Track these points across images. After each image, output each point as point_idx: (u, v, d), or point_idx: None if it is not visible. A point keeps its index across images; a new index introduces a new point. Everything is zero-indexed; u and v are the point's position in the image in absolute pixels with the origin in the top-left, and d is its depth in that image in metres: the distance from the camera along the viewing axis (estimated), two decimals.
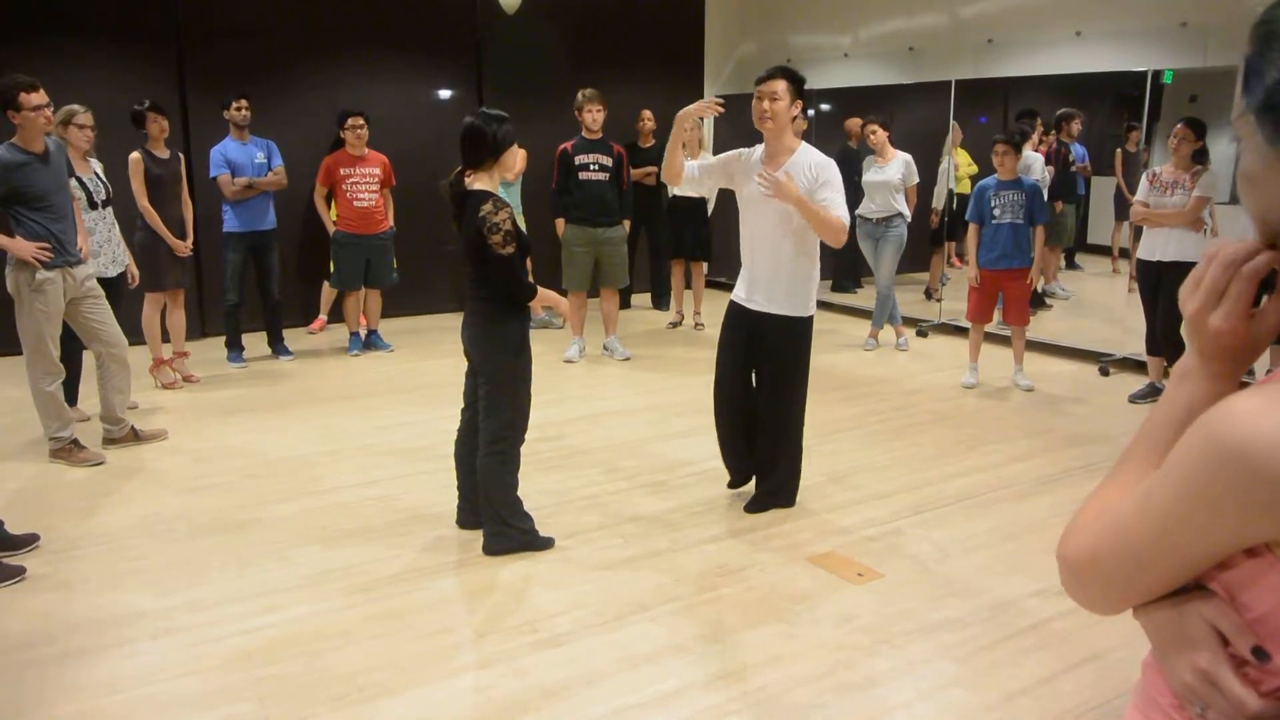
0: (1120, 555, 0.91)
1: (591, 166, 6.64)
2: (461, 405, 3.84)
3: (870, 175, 7.10)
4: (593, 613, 3.23)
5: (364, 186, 6.87)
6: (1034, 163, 7.01)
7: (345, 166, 6.83)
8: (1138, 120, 6.86)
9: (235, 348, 6.69)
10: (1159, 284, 5.54)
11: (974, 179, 7.52)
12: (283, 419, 5.49)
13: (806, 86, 3.99)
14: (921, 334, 7.70)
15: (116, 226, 5.54)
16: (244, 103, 6.54)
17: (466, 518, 3.88)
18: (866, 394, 6.01)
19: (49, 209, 4.49)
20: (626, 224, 6.96)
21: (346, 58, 7.89)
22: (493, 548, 3.66)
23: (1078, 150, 8.00)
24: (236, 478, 4.54)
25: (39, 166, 4.46)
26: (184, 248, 6.01)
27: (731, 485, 4.29)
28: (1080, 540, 0.96)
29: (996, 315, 6.23)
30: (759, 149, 3.99)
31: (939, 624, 3.17)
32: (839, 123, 8.81)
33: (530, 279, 3.63)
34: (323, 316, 7.94)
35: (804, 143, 3.97)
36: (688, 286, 8.05)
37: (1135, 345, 6.29)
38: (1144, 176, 5.67)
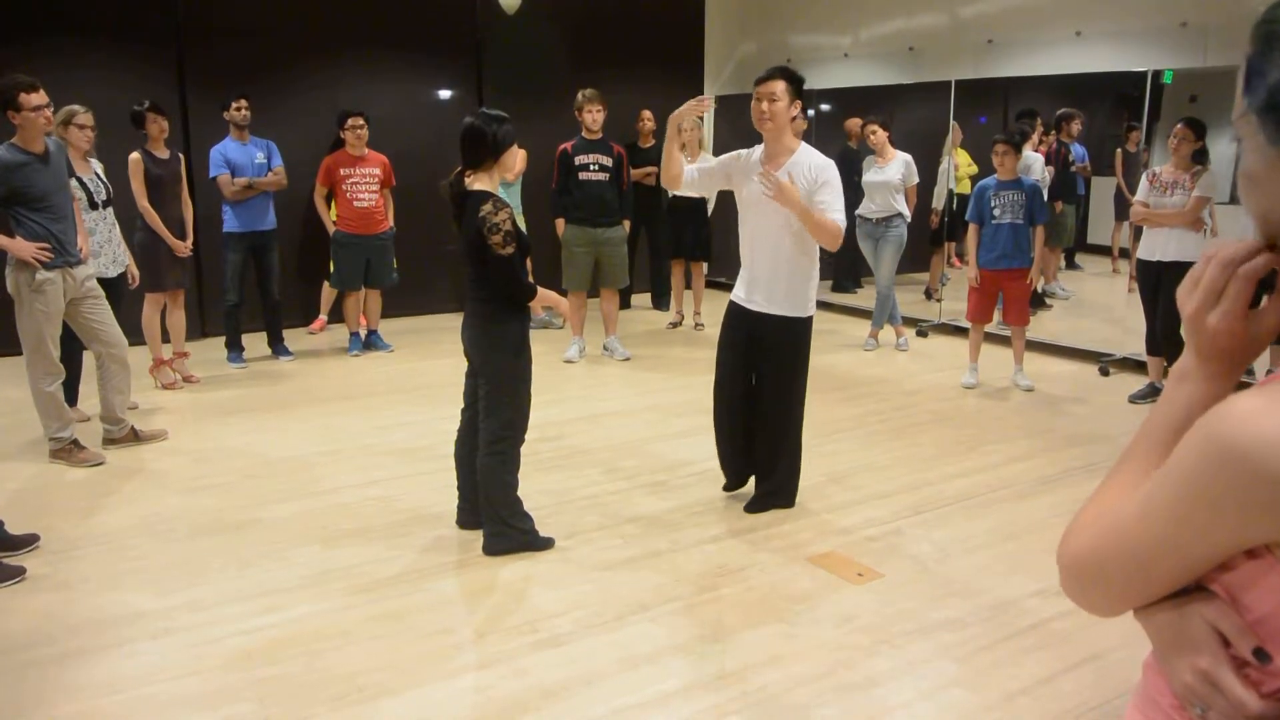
0: (1121, 557, 0.91)
1: (591, 167, 6.64)
2: (461, 405, 3.84)
3: (870, 175, 7.10)
4: (593, 613, 3.23)
5: (364, 187, 6.87)
6: (1034, 163, 7.01)
7: (345, 166, 6.83)
8: (1138, 120, 6.86)
9: (235, 348, 6.69)
10: (1159, 284, 5.54)
11: (974, 179, 7.52)
12: (283, 419, 5.49)
13: (806, 86, 3.99)
14: (921, 334, 7.70)
15: (117, 227, 5.54)
16: (244, 103, 6.54)
17: (466, 518, 3.88)
18: (866, 394, 6.01)
19: (49, 209, 4.49)
20: (626, 224, 6.96)
21: (346, 58, 7.89)
22: (493, 548, 3.66)
23: (1078, 150, 8.00)
24: (236, 478, 4.54)
25: (39, 167, 4.46)
26: (184, 248, 6.01)
27: (727, 488, 4.28)
28: (1080, 542, 0.96)
29: (996, 315, 6.23)
30: (758, 149, 3.99)
31: (939, 624, 3.17)
32: (839, 123, 8.81)
33: (530, 279, 3.63)
34: (323, 317, 7.94)
35: (804, 143, 3.97)
36: (688, 287, 8.05)
37: (1135, 345, 6.29)
38: (1144, 176, 5.67)
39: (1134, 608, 0.96)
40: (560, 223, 6.85)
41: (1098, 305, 8.36)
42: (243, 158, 6.53)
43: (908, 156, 7.07)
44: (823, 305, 7.90)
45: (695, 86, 9.72)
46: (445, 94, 8.54)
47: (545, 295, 3.70)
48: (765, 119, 3.86)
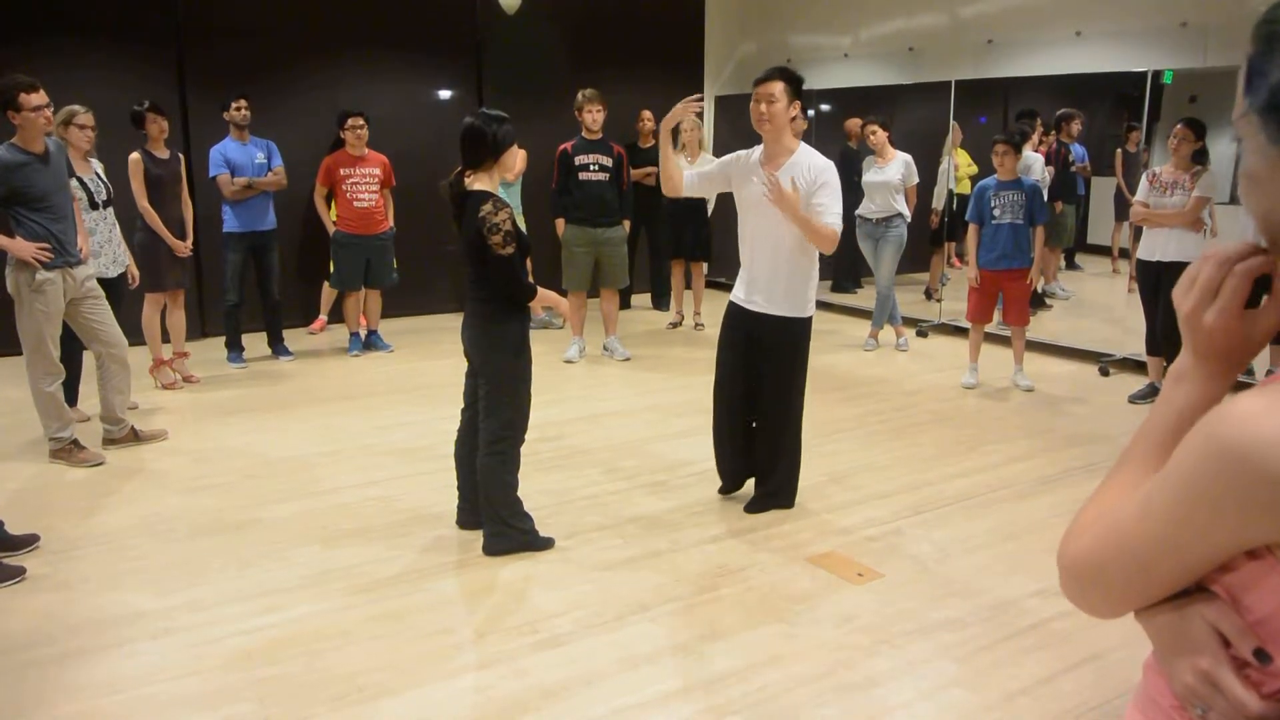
0: (1121, 558, 0.91)
1: (591, 167, 6.64)
2: (461, 405, 3.84)
3: (870, 175, 7.10)
4: (593, 613, 3.23)
5: (364, 187, 6.87)
6: (1034, 163, 7.01)
7: (345, 167, 6.83)
8: (1138, 120, 6.86)
9: (235, 348, 6.69)
10: (1159, 284, 5.54)
11: (974, 179, 7.52)
12: (283, 419, 5.49)
13: (806, 86, 3.98)
14: (921, 334, 7.70)
15: (117, 227, 5.54)
16: (244, 103, 6.54)
17: (466, 518, 3.88)
18: (866, 394, 6.01)
19: (49, 209, 4.49)
20: (626, 224, 6.96)
21: (346, 58, 7.89)
22: (493, 548, 3.66)
23: (1077, 150, 8.00)
24: (236, 478, 4.54)
25: (39, 167, 4.46)
26: (184, 248, 6.01)
27: (723, 491, 4.27)
28: (1080, 544, 0.96)
29: (996, 315, 6.23)
30: (758, 150, 3.99)
31: (939, 624, 3.17)
32: (839, 123, 8.81)
33: (530, 279, 3.63)
34: (323, 317, 7.94)
35: (803, 144, 3.96)
36: (688, 287, 8.05)
37: (1135, 345, 6.29)
38: (1144, 177, 5.67)
39: (1134, 609, 0.96)
40: (560, 223, 6.85)
41: (1098, 305, 8.36)
42: (243, 158, 6.52)
43: (908, 157, 7.07)
44: (823, 305, 7.91)
45: (695, 86, 9.72)
46: (445, 94, 8.54)
47: (545, 295, 3.70)
48: (764, 120, 3.85)
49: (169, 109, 6.27)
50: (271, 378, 6.44)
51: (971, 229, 6.03)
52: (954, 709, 2.72)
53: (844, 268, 8.71)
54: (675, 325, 8.07)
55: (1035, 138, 7.42)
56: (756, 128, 3.90)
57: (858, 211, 7.11)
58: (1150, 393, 5.78)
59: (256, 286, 6.70)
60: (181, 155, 6.25)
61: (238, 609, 3.27)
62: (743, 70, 9.78)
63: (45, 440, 4.75)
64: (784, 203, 3.71)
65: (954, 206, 7.91)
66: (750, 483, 4.22)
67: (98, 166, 5.48)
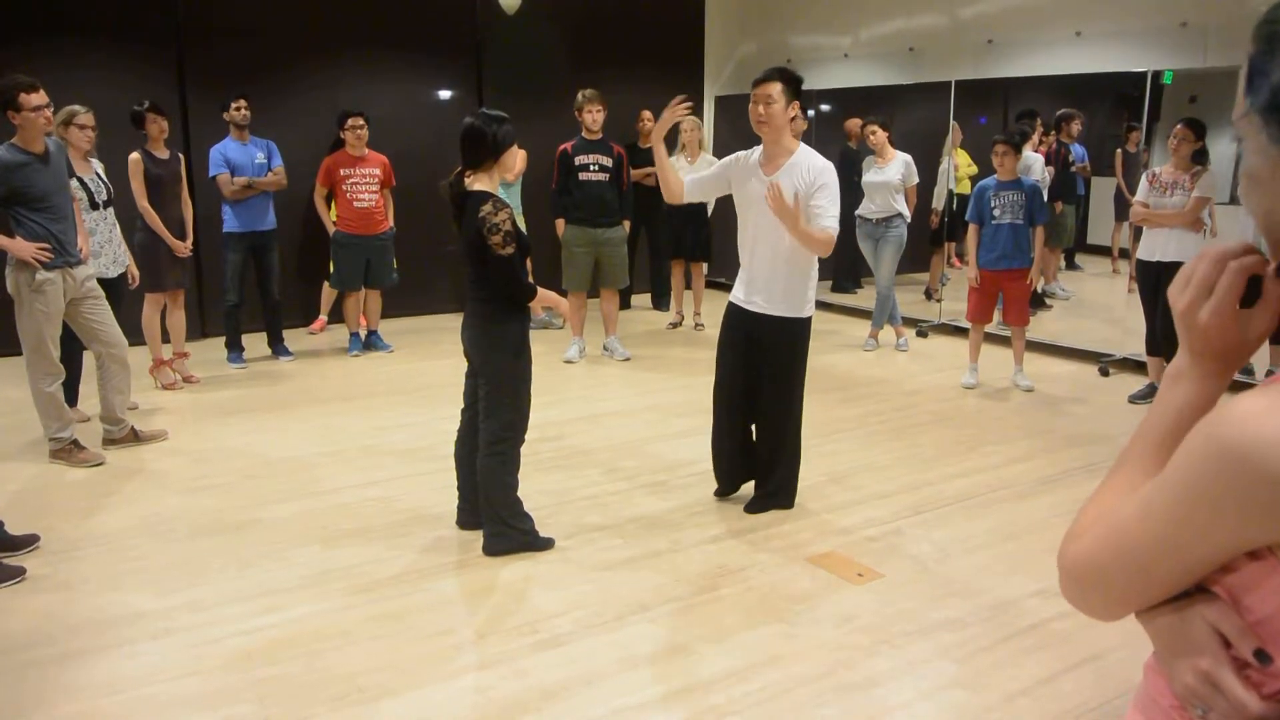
0: (1122, 559, 0.91)
1: (591, 167, 6.64)
2: (461, 406, 3.84)
3: (870, 176, 7.10)
4: (593, 613, 3.23)
5: (364, 187, 6.86)
6: (1034, 163, 7.01)
7: (345, 167, 6.83)
8: (1138, 121, 6.86)
9: (235, 348, 6.69)
10: (1159, 284, 5.54)
11: (974, 179, 7.52)
12: (283, 420, 5.49)
13: (806, 87, 3.97)
14: (921, 334, 7.70)
15: (117, 227, 5.54)
16: (243, 103, 6.54)
17: (466, 518, 3.88)
18: (866, 394, 6.01)
19: (49, 210, 4.49)
20: (626, 224, 6.96)
21: (346, 58, 7.89)
22: (493, 548, 3.66)
23: (1077, 150, 8.00)
24: (236, 478, 4.54)
25: (39, 167, 4.46)
26: (184, 248, 6.01)
27: (719, 494, 4.26)
28: (1080, 546, 0.96)
29: (996, 315, 6.23)
30: (757, 150, 3.98)
31: (939, 624, 3.17)
32: (839, 123, 8.81)
33: (530, 279, 3.62)
34: (323, 317, 7.94)
35: (803, 144, 3.96)
36: (688, 287, 8.05)
37: (1135, 345, 6.29)
38: (1144, 177, 5.67)
39: (1133, 611, 0.96)
40: (560, 223, 6.85)
41: (1098, 305, 8.36)
42: (243, 158, 6.52)
43: (907, 157, 7.07)
44: (823, 305, 7.92)
45: (695, 86, 9.73)
46: (445, 94, 8.54)
47: (545, 295, 3.70)
48: (762, 121, 3.84)
49: (169, 109, 6.27)
50: (271, 378, 6.44)
51: (971, 229, 6.03)
52: (954, 709, 2.72)
53: (844, 268, 8.71)
54: (675, 325, 8.07)
55: (1035, 138, 7.42)
56: (755, 129, 3.90)
57: (858, 212, 7.11)
58: (1150, 393, 5.78)
59: (256, 287, 6.70)
60: (181, 155, 6.25)
61: (238, 609, 3.27)
62: (742, 70, 9.78)
63: (45, 440, 4.75)
64: (783, 212, 3.68)
65: (954, 206, 7.91)
66: (749, 483, 4.22)
67: (98, 166, 5.48)
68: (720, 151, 7.64)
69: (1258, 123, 0.85)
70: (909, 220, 7.10)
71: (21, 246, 4.41)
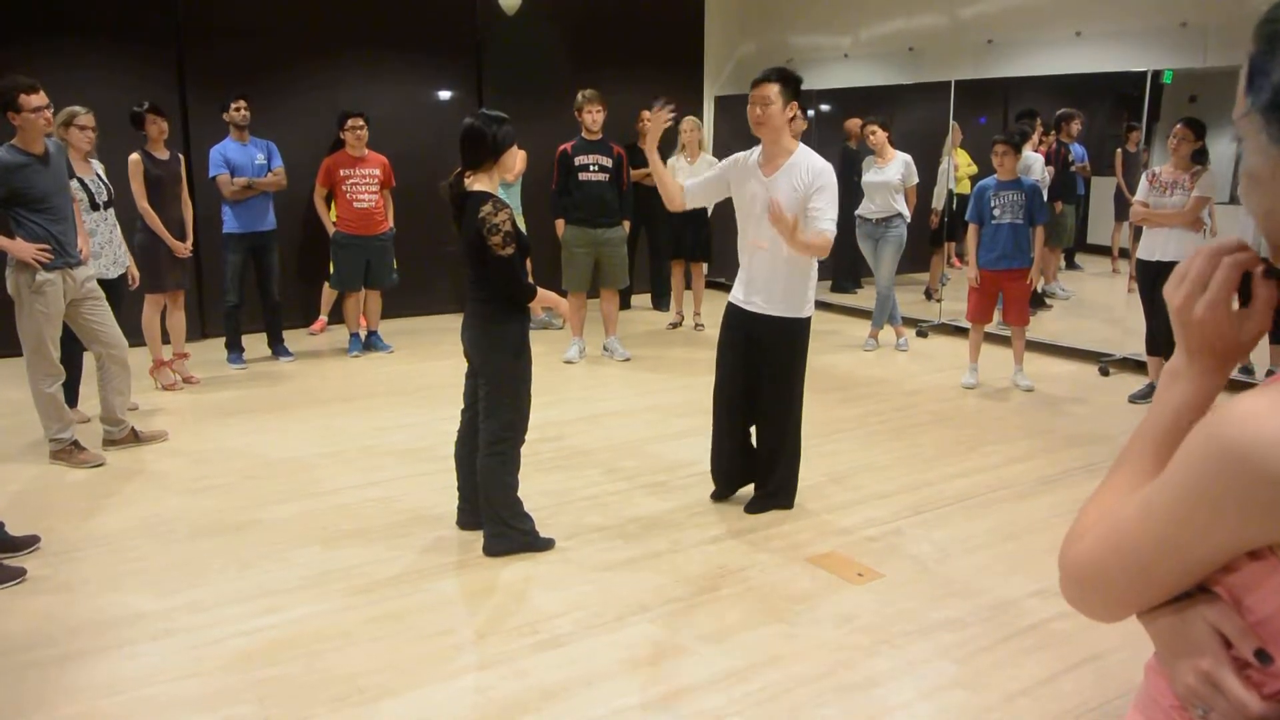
0: (1123, 560, 0.91)
1: (591, 167, 6.64)
2: (461, 406, 3.84)
3: (870, 176, 7.10)
4: (593, 613, 3.23)
5: (364, 187, 6.86)
6: (1034, 163, 7.01)
7: (345, 167, 6.83)
8: (1137, 120, 6.86)
9: (235, 349, 6.69)
10: (1158, 284, 5.51)
11: (974, 179, 7.52)
12: (283, 420, 5.49)
13: (806, 87, 3.96)
14: (921, 334, 7.70)
15: (118, 228, 5.54)
16: (243, 103, 6.54)
17: (467, 519, 3.88)
18: (866, 394, 6.01)
19: (49, 210, 4.49)
20: (626, 225, 6.96)
21: (346, 58, 7.89)
22: (493, 549, 3.66)
23: (1077, 150, 8.00)
24: (236, 479, 4.54)
25: (39, 168, 4.46)
26: (184, 249, 6.00)
27: (716, 497, 4.24)
28: (1080, 547, 0.96)
29: (996, 315, 6.23)
30: (756, 151, 3.98)
31: (939, 624, 3.17)
32: (839, 123, 8.81)
33: (530, 280, 3.62)
34: (323, 317, 7.94)
35: (802, 145, 3.95)
36: (688, 287, 8.05)
37: (1135, 345, 6.29)
38: (1143, 176, 5.67)
39: (1134, 612, 0.95)
40: (560, 223, 6.85)
41: (1098, 305, 8.36)
42: (242, 158, 6.52)
43: (907, 157, 7.07)
44: (823, 305, 7.92)
45: (695, 86, 9.73)
46: (445, 94, 8.54)
47: (545, 296, 3.70)
48: (759, 123, 3.84)
49: (169, 109, 6.27)
50: (271, 379, 6.44)
51: (971, 229, 6.03)
52: (954, 709, 2.72)
53: (844, 268, 8.71)
54: (675, 326, 8.07)
55: (1035, 138, 7.42)
56: (753, 130, 3.89)
57: (858, 212, 7.11)
58: (1150, 392, 5.77)
59: (256, 287, 6.70)
60: (181, 156, 6.25)
61: (238, 610, 3.27)
62: (742, 70, 9.78)
63: (46, 441, 4.75)
64: (781, 224, 3.65)
65: (954, 206, 7.91)
66: (738, 491, 4.21)
67: (98, 167, 5.48)
68: (720, 151, 7.65)
69: (1258, 122, 0.85)
70: (909, 220, 7.10)
71: (21, 247, 4.41)
